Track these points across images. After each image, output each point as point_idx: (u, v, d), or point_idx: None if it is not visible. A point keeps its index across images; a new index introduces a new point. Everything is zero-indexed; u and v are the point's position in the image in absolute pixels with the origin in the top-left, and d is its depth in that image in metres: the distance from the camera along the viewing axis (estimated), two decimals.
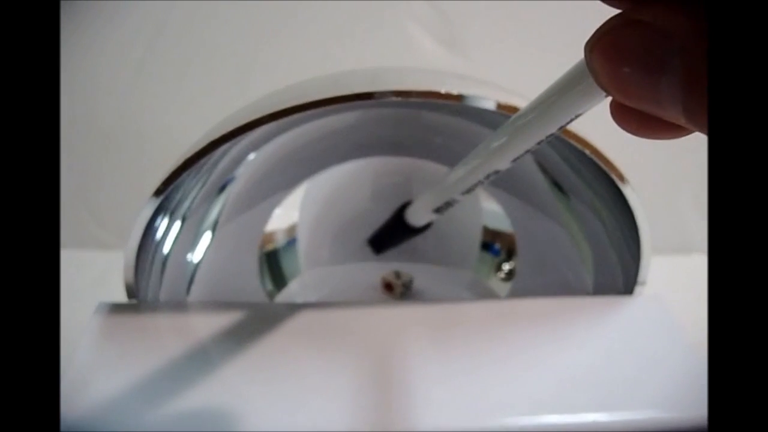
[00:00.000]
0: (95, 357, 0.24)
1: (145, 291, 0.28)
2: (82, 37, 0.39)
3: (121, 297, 0.27)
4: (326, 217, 0.36)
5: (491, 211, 0.35)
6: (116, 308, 0.26)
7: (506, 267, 0.36)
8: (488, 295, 0.35)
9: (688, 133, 0.12)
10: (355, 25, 0.41)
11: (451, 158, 0.35)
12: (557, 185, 0.32)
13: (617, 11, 0.12)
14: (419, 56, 0.41)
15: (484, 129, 0.31)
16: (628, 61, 0.11)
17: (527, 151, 0.17)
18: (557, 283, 0.33)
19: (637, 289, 0.28)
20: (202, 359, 0.24)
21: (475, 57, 0.41)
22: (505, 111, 0.23)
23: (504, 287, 0.35)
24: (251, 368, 0.24)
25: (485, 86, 0.25)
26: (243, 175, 0.32)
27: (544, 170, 0.32)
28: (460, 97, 0.23)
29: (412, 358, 0.25)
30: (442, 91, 0.23)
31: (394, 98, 0.23)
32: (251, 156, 0.32)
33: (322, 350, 0.25)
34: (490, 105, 0.23)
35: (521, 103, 0.23)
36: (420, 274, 0.35)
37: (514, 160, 0.18)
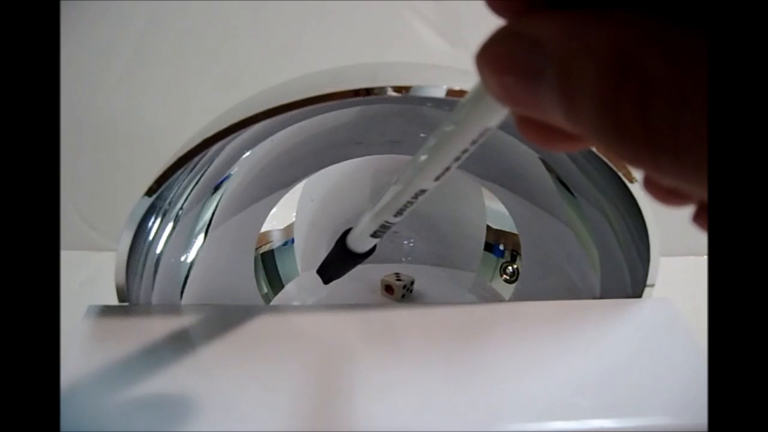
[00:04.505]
0: (85, 361, 0.24)
1: (136, 293, 0.27)
2: (71, 34, 0.38)
3: (112, 300, 0.26)
4: (324, 216, 0.36)
5: (495, 210, 0.35)
6: (107, 311, 0.26)
7: (510, 268, 0.35)
8: (492, 297, 0.35)
9: (589, 145, 0.13)
10: (356, 19, 0.40)
11: None
12: (563, 184, 0.32)
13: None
14: (422, 51, 0.40)
15: None
16: (510, 70, 0.12)
17: (447, 169, 0.18)
18: (563, 285, 0.32)
19: (646, 291, 0.28)
20: (194, 364, 0.24)
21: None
22: None
23: (508, 289, 0.35)
24: (246, 375, 0.24)
25: None
26: (238, 173, 0.32)
27: (550, 168, 0.32)
28: (462, 93, 0.22)
29: (413, 362, 0.24)
30: (444, 86, 0.23)
31: (394, 94, 0.22)
32: (246, 154, 0.31)
33: (320, 354, 0.25)
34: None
35: None
36: (421, 276, 0.35)
37: (437, 179, 0.18)
